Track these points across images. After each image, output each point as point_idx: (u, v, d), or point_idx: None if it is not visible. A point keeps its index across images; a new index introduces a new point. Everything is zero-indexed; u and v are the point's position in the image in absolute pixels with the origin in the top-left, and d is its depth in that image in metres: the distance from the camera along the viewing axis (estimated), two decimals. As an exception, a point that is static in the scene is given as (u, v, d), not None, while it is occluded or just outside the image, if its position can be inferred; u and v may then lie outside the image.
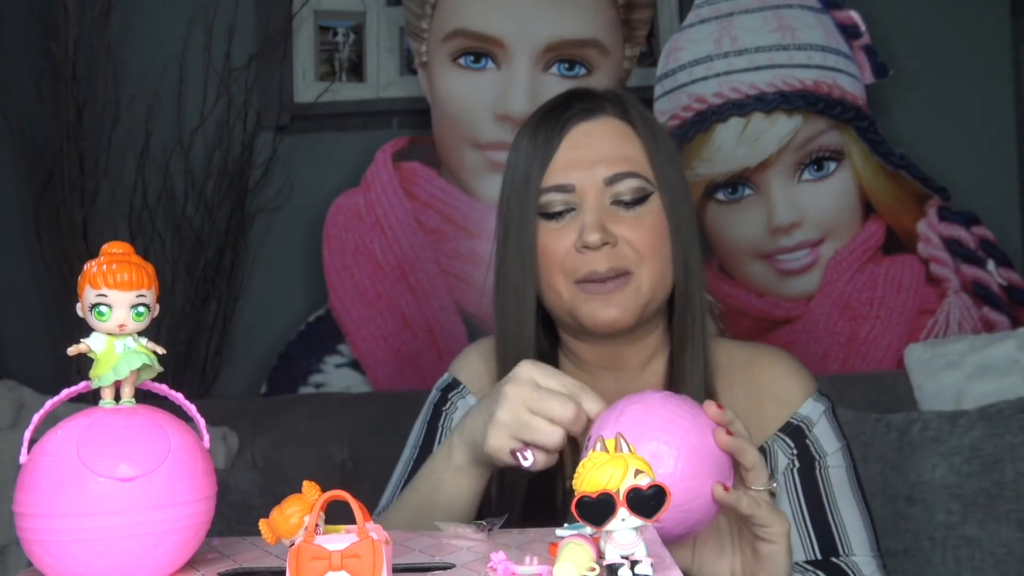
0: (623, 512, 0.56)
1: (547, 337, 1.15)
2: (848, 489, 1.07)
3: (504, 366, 1.08)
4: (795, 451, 1.07)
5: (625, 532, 0.57)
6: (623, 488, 0.56)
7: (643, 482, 0.57)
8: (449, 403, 1.18)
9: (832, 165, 2.24)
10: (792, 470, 1.07)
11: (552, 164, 1.06)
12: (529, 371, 0.90)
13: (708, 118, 2.24)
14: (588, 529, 0.58)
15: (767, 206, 2.25)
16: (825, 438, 1.08)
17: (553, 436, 0.87)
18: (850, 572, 1.02)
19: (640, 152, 1.07)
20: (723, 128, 2.24)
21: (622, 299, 1.04)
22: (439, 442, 1.15)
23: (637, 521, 0.57)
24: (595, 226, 1.03)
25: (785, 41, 2.23)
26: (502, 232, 1.11)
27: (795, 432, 1.08)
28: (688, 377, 1.07)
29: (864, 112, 2.23)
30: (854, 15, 2.23)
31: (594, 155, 1.05)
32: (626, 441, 0.60)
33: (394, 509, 1.03)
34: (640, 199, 1.05)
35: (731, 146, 2.24)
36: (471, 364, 1.19)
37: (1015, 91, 2.31)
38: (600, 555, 0.58)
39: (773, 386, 1.10)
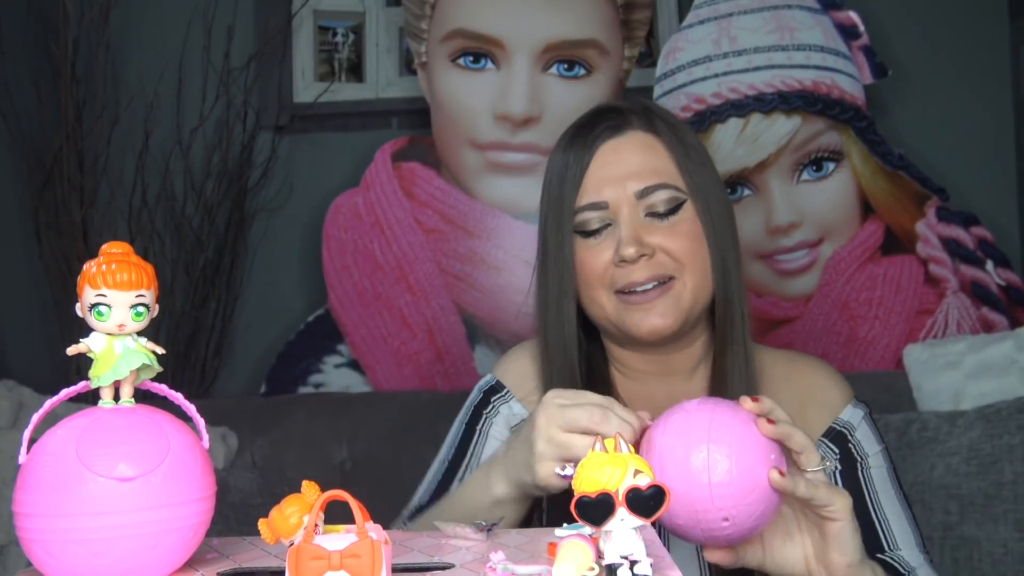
0: (622, 512, 0.56)
1: (597, 350, 1.16)
2: (890, 488, 1.08)
3: (548, 380, 1.10)
4: (839, 455, 1.08)
5: (624, 532, 0.57)
6: (622, 488, 0.56)
7: (642, 482, 0.57)
8: (491, 406, 1.17)
9: (831, 165, 2.24)
10: (836, 473, 1.08)
11: (584, 183, 1.07)
12: (553, 397, 0.93)
13: (707, 118, 2.24)
14: (587, 529, 0.58)
15: (766, 206, 2.25)
16: (866, 441, 1.10)
17: (588, 445, 0.88)
18: (897, 565, 1.02)
19: (669, 162, 1.08)
20: (722, 128, 2.24)
21: (664, 306, 1.05)
22: (476, 445, 1.15)
23: (636, 521, 0.57)
24: (631, 240, 1.04)
25: (784, 41, 2.23)
26: (541, 251, 1.12)
27: (838, 437, 1.09)
28: (730, 381, 1.07)
29: (863, 112, 2.23)
30: (853, 15, 2.24)
31: (624, 170, 1.07)
32: (625, 441, 0.61)
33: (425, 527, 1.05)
34: (674, 208, 1.07)
35: (730, 146, 2.24)
36: (518, 366, 1.18)
37: (1014, 92, 2.31)
38: (599, 555, 0.58)
39: (815, 393, 1.11)
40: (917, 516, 1.10)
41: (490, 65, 2.34)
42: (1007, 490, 1.62)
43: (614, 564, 0.57)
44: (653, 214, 1.06)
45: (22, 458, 0.64)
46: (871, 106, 2.24)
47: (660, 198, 1.06)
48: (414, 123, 2.45)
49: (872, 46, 2.24)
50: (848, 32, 2.24)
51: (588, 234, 1.08)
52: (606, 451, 0.59)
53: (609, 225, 1.07)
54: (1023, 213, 2.30)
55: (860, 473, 1.08)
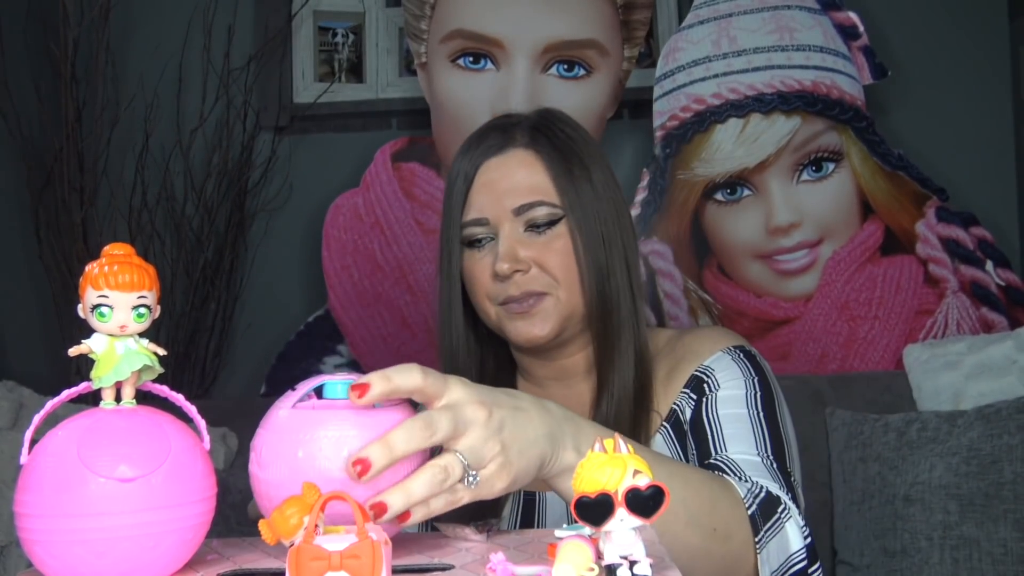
0: (622, 512, 0.56)
1: (505, 358, 1.22)
2: (741, 408, 1.07)
3: None
4: (694, 398, 1.10)
5: (624, 532, 0.57)
6: (621, 488, 0.57)
7: (641, 482, 0.57)
8: None
9: (831, 166, 2.24)
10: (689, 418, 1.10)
11: (468, 199, 1.14)
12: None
13: (707, 119, 2.25)
14: (587, 529, 0.58)
15: (766, 207, 2.25)
16: (724, 375, 1.10)
17: None
18: (720, 463, 1.02)
19: (546, 178, 1.12)
20: (722, 129, 2.25)
21: (542, 314, 1.11)
22: None
23: (636, 521, 0.57)
24: (506, 256, 1.10)
25: (783, 42, 2.23)
26: (439, 260, 1.20)
27: (696, 382, 1.11)
28: (615, 386, 1.10)
29: (862, 113, 2.23)
30: (852, 16, 2.24)
31: (503, 188, 1.13)
32: (625, 442, 0.61)
33: None
34: (550, 223, 1.12)
35: (730, 147, 2.25)
36: None
37: (1013, 92, 2.31)
38: (599, 555, 0.58)
39: (690, 348, 1.14)
40: (787, 446, 1.07)
41: (490, 65, 2.34)
42: (1007, 490, 1.62)
43: (614, 564, 0.57)
44: (532, 228, 1.12)
45: (23, 459, 0.64)
46: (871, 106, 2.25)
47: (537, 214, 1.11)
48: (414, 123, 2.45)
49: (872, 46, 2.24)
50: (848, 32, 2.24)
51: (473, 245, 1.14)
52: (605, 451, 0.59)
53: (493, 238, 1.13)
54: (1023, 213, 2.30)
55: (704, 400, 1.09)
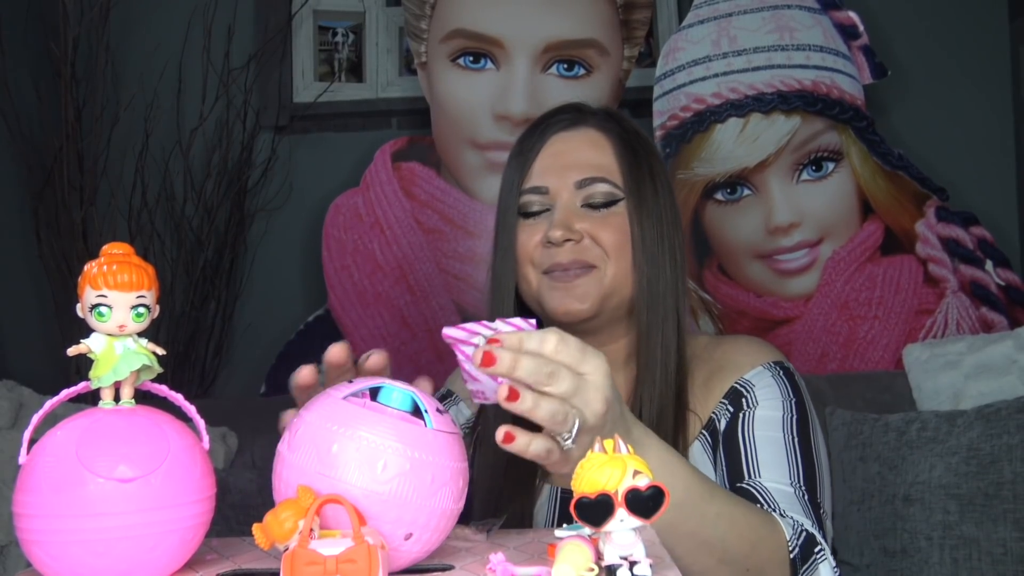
0: (622, 513, 0.56)
1: None
2: (777, 430, 1.07)
3: None
4: (731, 410, 1.10)
5: (624, 533, 0.57)
6: (621, 489, 0.56)
7: (641, 483, 0.57)
8: None
9: (831, 165, 2.24)
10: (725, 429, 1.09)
11: (532, 169, 1.14)
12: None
13: (707, 118, 2.24)
14: (587, 530, 0.58)
15: (766, 206, 2.25)
16: (763, 393, 1.10)
17: None
18: (752, 490, 1.02)
19: (612, 160, 1.13)
20: (722, 128, 2.24)
21: (584, 288, 1.09)
22: None
23: (635, 522, 0.57)
24: (560, 224, 1.10)
25: (784, 41, 2.23)
26: (495, 234, 1.18)
27: (735, 395, 1.11)
28: (657, 382, 1.09)
29: (862, 112, 2.23)
30: (852, 15, 2.24)
31: (568, 161, 1.13)
32: (625, 442, 0.61)
33: None
34: (608, 203, 1.12)
35: (730, 146, 2.24)
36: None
37: (1013, 92, 2.31)
38: (599, 556, 0.58)
39: (729, 358, 1.14)
40: (819, 469, 1.06)
41: (490, 65, 2.34)
42: (1006, 490, 1.62)
43: (613, 565, 0.57)
44: (589, 205, 1.12)
45: (22, 459, 0.64)
46: (871, 106, 2.24)
47: (598, 190, 1.12)
48: (414, 123, 2.45)
49: (872, 46, 2.24)
50: (848, 32, 2.24)
51: (528, 215, 1.14)
52: (605, 452, 0.59)
53: (548, 210, 1.13)
54: (1023, 213, 2.30)
55: (740, 415, 1.08)
